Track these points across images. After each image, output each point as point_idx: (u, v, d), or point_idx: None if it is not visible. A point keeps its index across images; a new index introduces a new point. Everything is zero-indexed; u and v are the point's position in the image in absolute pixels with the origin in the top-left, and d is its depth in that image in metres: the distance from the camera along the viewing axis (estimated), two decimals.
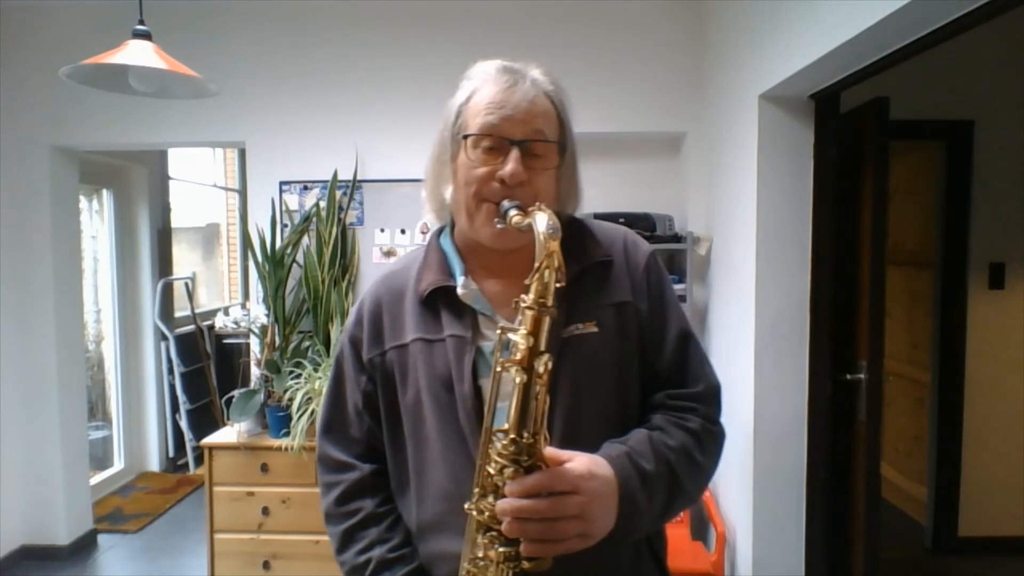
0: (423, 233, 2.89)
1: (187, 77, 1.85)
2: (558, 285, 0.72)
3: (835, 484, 2.24)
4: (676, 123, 2.87)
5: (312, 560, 2.45)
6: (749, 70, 2.26)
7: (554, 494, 0.71)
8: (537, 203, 0.79)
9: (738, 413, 2.26)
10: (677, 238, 2.73)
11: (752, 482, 2.21)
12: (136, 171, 4.16)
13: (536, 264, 0.72)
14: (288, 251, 2.78)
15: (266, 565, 2.46)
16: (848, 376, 2.18)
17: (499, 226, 0.84)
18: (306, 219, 2.85)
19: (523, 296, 0.72)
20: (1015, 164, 3.02)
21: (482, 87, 0.89)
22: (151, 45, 1.80)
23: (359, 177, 2.89)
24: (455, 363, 0.87)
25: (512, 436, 0.71)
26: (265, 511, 2.46)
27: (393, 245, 2.91)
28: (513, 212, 0.80)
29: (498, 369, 0.73)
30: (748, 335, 2.23)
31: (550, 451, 0.74)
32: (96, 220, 4.06)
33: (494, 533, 0.73)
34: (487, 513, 0.73)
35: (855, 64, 1.80)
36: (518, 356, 0.70)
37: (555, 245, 0.73)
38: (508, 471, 0.71)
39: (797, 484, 2.21)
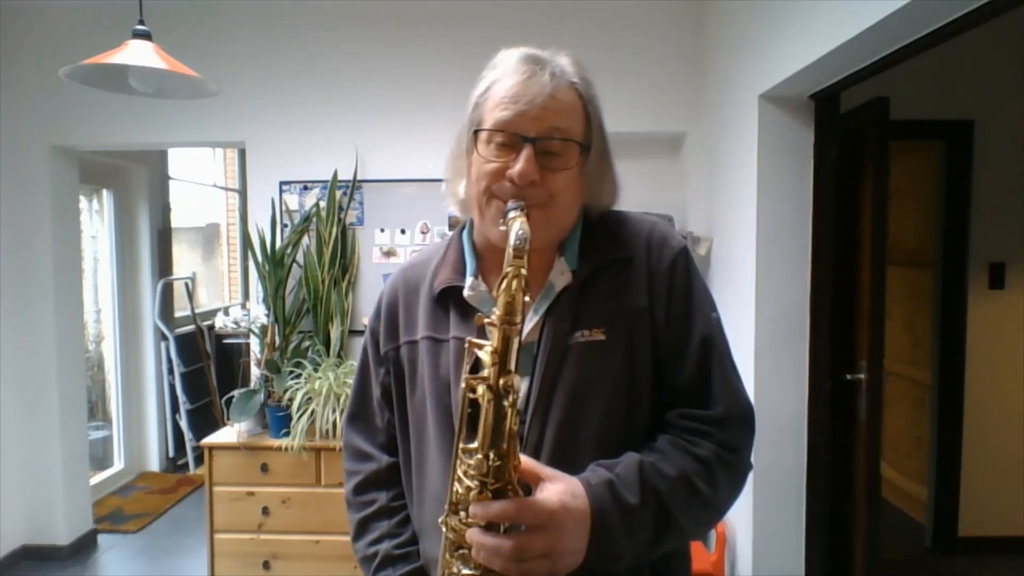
0: (423, 233, 2.89)
1: (187, 77, 1.85)
2: (526, 299, 0.68)
3: (835, 484, 2.24)
4: (676, 123, 2.87)
5: (312, 560, 2.45)
6: (749, 70, 2.25)
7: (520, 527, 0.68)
8: (519, 206, 0.75)
9: None
10: None
11: (752, 482, 2.21)
12: (136, 171, 4.16)
13: (501, 276, 0.67)
14: (288, 251, 2.78)
15: (266, 565, 2.46)
16: (848, 376, 2.18)
17: (501, 228, 0.77)
18: (306, 219, 2.85)
19: (493, 309, 0.67)
20: (1015, 164, 3.02)
21: (501, 78, 0.83)
22: (151, 45, 1.80)
23: (359, 177, 2.89)
24: (455, 367, 0.84)
25: (479, 456, 0.68)
26: (265, 511, 2.46)
27: (393, 245, 2.91)
28: (513, 214, 0.75)
29: (463, 386, 0.69)
30: (748, 335, 2.23)
31: (527, 463, 0.70)
32: (96, 220, 4.06)
33: (463, 551, 0.71)
34: (456, 532, 0.71)
35: (855, 64, 1.80)
36: (484, 373, 0.67)
37: (520, 259, 0.68)
38: (473, 493, 0.68)
39: (797, 484, 2.21)
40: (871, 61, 1.75)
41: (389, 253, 2.91)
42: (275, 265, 2.73)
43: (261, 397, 2.57)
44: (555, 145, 0.81)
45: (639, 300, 0.84)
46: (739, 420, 0.83)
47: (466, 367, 0.71)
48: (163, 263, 4.38)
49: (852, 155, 2.17)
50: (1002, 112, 2.99)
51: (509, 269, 0.67)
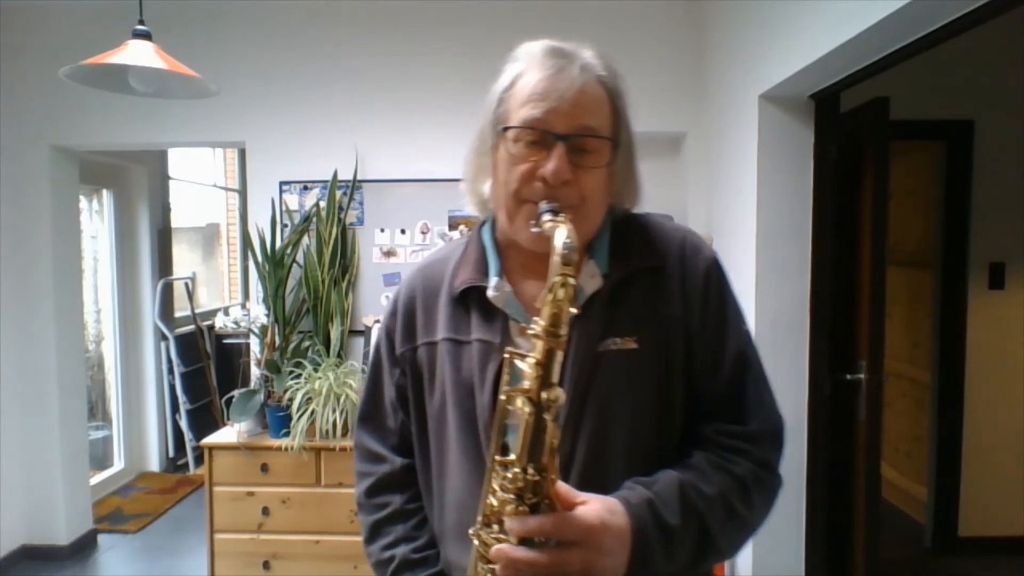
0: (423, 233, 2.89)
1: (187, 77, 1.85)
2: (573, 311, 0.65)
3: (835, 484, 2.24)
4: (676, 123, 2.87)
5: (312, 560, 2.45)
6: (749, 70, 2.26)
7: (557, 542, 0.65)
8: (560, 215, 0.72)
9: None
10: None
11: None
12: (136, 171, 4.16)
13: (548, 285, 0.65)
14: (288, 251, 2.78)
15: (266, 565, 2.46)
16: (848, 376, 2.18)
17: (534, 230, 0.74)
18: (306, 219, 2.85)
19: (536, 319, 0.65)
20: (1015, 164, 3.02)
21: (526, 72, 0.80)
22: (151, 45, 1.80)
23: (359, 177, 2.88)
24: (478, 370, 0.81)
25: (516, 470, 0.65)
26: (265, 511, 2.46)
27: (393, 245, 2.91)
28: (547, 216, 0.72)
29: (502, 398, 0.67)
30: None
31: (562, 488, 0.68)
32: (96, 220, 4.06)
33: (493, 566, 0.68)
34: (487, 546, 0.69)
35: (855, 64, 1.81)
36: (525, 385, 0.64)
37: (569, 267, 0.65)
38: (509, 507, 0.66)
39: (797, 484, 2.21)
40: (871, 61, 1.75)
41: (389, 253, 2.91)
42: (275, 265, 2.73)
43: (261, 397, 2.57)
44: (587, 143, 0.79)
45: (673, 309, 0.81)
46: (773, 436, 0.82)
47: (505, 378, 0.68)
48: (163, 263, 4.38)
49: (852, 155, 2.17)
50: (1002, 112, 2.99)
51: (557, 278, 0.64)
